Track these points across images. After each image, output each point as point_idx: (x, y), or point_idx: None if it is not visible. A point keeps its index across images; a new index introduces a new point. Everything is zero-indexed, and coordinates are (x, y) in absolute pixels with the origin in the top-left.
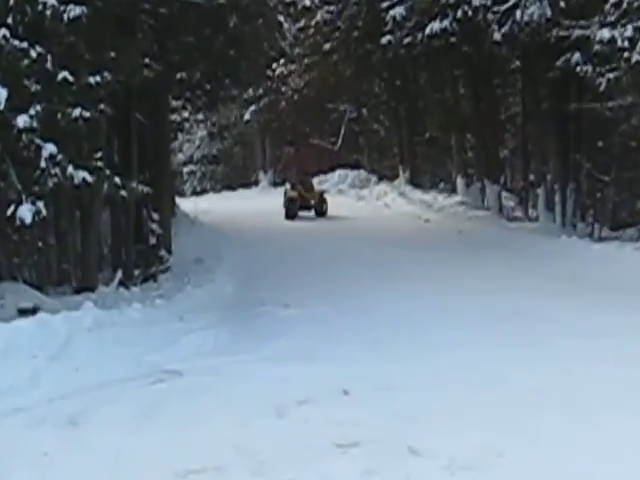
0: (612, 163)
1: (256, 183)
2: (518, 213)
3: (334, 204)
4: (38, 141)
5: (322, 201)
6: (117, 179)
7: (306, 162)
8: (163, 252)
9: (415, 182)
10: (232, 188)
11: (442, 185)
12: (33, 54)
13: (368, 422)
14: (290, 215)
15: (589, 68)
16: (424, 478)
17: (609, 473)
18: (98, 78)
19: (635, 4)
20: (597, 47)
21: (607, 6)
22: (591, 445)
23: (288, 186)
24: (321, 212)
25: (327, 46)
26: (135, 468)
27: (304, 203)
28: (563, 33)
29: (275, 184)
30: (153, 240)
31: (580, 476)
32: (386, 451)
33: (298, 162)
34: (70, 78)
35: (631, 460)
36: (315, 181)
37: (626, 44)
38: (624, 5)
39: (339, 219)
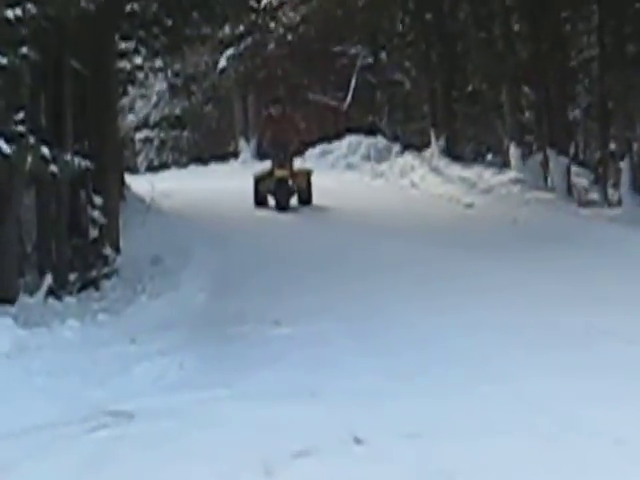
0: None
1: (235, 155)
2: (594, 195)
3: (342, 183)
4: None
5: (309, 185)
6: (45, 150)
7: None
8: (108, 249)
9: (453, 153)
10: (203, 162)
11: (490, 157)
12: None
13: None
14: (282, 203)
15: None
16: None
17: None
18: (18, 11)
19: None
20: None
21: None
22: None
23: (269, 165)
24: (307, 200)
25: None
26: None
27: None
28: None
29: (261, 156)
30: (94, 233)
31: None
32: None
33: (277, 129)
34: None
35: None
36: (317, 151)
37: None
38: None
39: (348, 204)
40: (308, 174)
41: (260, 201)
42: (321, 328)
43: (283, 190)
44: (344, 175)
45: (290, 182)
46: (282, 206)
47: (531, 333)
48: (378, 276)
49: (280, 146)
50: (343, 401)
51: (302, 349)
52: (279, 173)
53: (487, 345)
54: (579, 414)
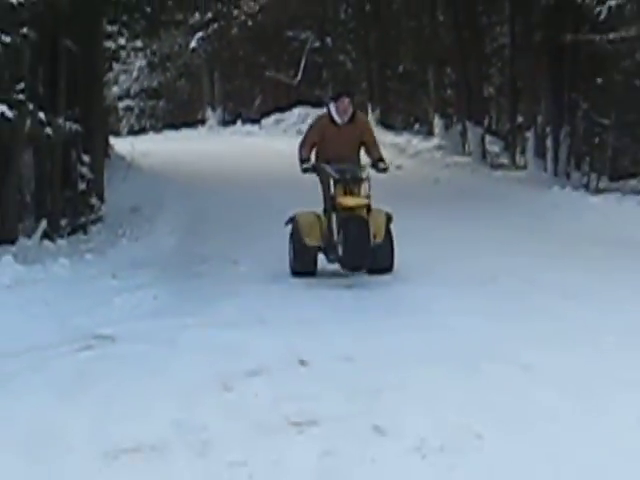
0: (612, 104)
1: (203, 122)
2: (504, 160)
3: (293, 146)
4: None
5: (389, 238)
6: (42, 115)
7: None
8: (94, 200)
9: (386, 123)
10: (175, 127)
11: (417, 127)
12: None
13: (328, 397)
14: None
15: None
16: (391, 461)
17: (609, 463)
18: None
19: None
20: None
21: None
22: (589, 429)
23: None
24: (385, 264)
25: None
26: (58, 448)
27: None
28: None
29: (225, 123)
30: (83, 186)
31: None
32: (348, 430)
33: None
34: None
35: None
36: (271, 120)
37: None
38: None
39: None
40: (388, 219)
41: (304, 265)
42: (271, 267)
43: (356, 229)
44: (295, 140)
45: (367, 219)
46: (354, 263)
47: (453, 278)
48: None
49: (345, 165)
50: (291, 329)
51: (257, 284)
52: (349, 201)
53: (417, 286)
54: (493, 349)
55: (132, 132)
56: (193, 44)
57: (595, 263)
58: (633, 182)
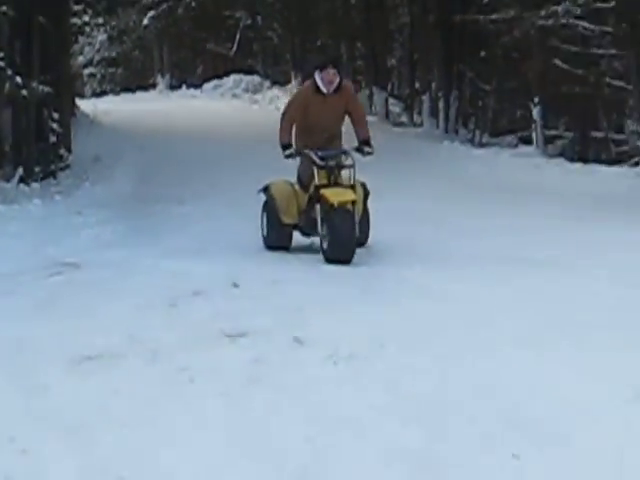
0: (494, 73)
1: (154, 86)
2: (404, 119)
3: (230, 107)
4: None
5: (366, 214)
6: (19, 79)
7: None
8: (63, 151)
9: None
10: (131, 90)
11: None
12: None
13: (256, 314)
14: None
15: None
16: (308, 367)
17: (489, 367)
18: None
19: None
20: None
21: None
22: (471, 340)
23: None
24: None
25: None
26: (31, 355)
27: None
28: None
29: (172, 87)
30: (54, 139)
31: (460, 368)
32: (273, 341)
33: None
34: None
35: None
36: (211, 85)
37: None
38: None
39: (234, 121)
40: (366, 194)
41: (279, 241)
42: (213, 206)
43: (343, 225)
44: (231, 102)
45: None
46: (339, 257)
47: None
48: (255, 170)
49: (329, 150)
50: (226, 258)
51: (199, 222)
52: (338, 196)
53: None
54: (386, 272)
55: (95, 94)
56: (145, 21)
57: (476, 205)
58: (509, 138)
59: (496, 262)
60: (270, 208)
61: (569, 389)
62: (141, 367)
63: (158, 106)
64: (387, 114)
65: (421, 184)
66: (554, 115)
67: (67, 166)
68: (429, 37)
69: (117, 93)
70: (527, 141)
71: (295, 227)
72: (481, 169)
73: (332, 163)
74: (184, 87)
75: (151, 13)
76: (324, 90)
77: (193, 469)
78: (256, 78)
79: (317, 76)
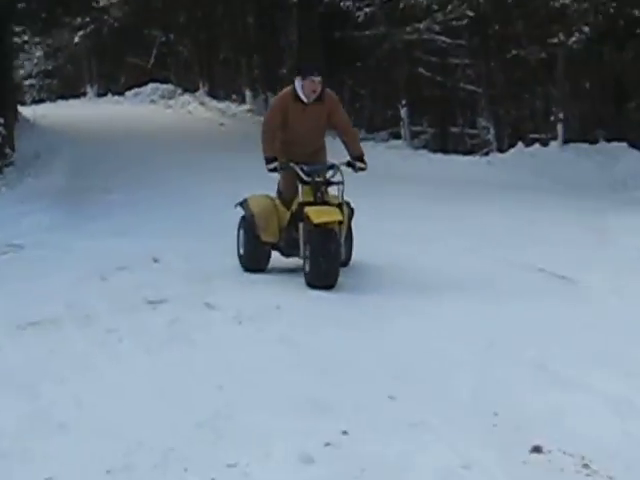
0: (368, 80)
1: (84, 94)
2: None
3: (148, 111)
4: None
5: (350, 233)
6: None
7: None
8: (7, 149)
9: (213, 94)
10: (65, 98)
11: (234, 96)
12: None
13: (174, 284)
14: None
15: (350, 3)
16: (218, 326)
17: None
18: None
19: None
20: None
21: None
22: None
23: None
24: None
25: None
26: None
27: None
28: None
29: (100, 95)
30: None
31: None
32: (188, 306)
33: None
34: None
35: None
36: (132, 93)
37: None
38: None
39: (152, 123)
40: (351, 213)
41: (256, 263)
42: (137, 193)
43: (327, 249)
44: (149, 107)
45: (338, 234)
46: (321, 283)
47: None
48: (173, 165)
49: (314, 161)
50: (148, 237)
51: (124, 207)
52: (323, 215)
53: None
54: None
55: (34, 102)
56: (76, 39)
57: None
58: (382, 133)
59: (376, 235)
60: (248, 225)
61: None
62: (77, 330)
63: (88, 111)
64: None
65: None
66: (418, 114)
67: (11, 163)
68: (314, 51)
69: (53, 100)
70: (397, 136)
71: (274, 246)
72: None
73: (319, 179)
74: (109, 95)
75: (81, 32)
76: (304, 99)
77: (124, 413)
78: (170, 86)
79: (297, 83)
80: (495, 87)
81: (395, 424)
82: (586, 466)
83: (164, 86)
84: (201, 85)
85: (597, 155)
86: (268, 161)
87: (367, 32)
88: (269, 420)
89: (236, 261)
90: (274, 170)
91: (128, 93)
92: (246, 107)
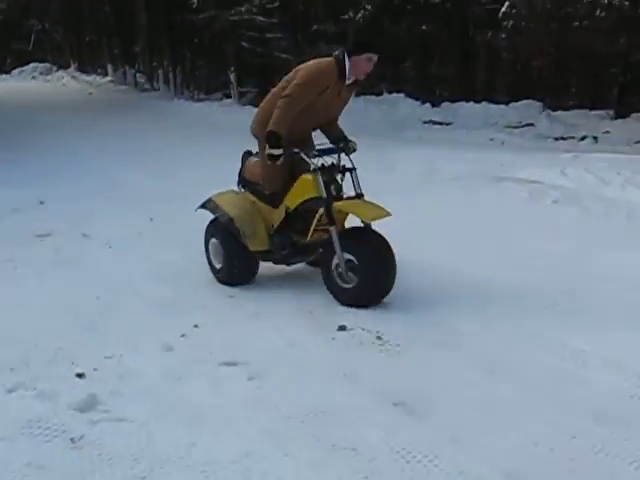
0: (204, 54)
1: None
2: (147, 86)
3: (30, 85)
4: None
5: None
6: None
7: None
8: None
9: (82, 69)
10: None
11: (99, 70)
12: None
13: (57, 220)
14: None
15: None
16: (92, 250)
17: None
18: None
19: None
20: None
21: None
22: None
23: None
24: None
25: None
26: None
27: None
28: None
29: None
30: None
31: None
32: (69, 237)
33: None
34: None
35: None
36: (17, 71)
37: None
38: None
39: (34, 94)
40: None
41: (242, 275)
42: (24, 151)
43: (390, 256)
44: (31, 82)
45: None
46: (377, 295)
47: (121, 152)
48: (51, 124)
49: (303, 147)
50: (34, 186)
51: (18, 161)
52: (370, 211)
53: (96, 156)
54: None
55: None
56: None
57: (181, 137)
58: (217, 94)
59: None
60: (227, 232)
61: None
62: None
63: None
64: (136, 84)
65: (162, 127)
66: (245, 78)
67: None
68: (160, 31)
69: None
70: (228, 96)
71: (264, 256)
72: (199, 116)
73: (332, 164)
74: None
75: None
76: (348, 79)
77: (22, 323)
78: (47, 65)
79: (347, 60)
80: (303, 55)
81: (235, 317)
82: (379, 338)
83: (42, 65)
84: (72, 63)
85: (381, 104)
86: (276, 143)
87: (200, 16)
88: (136, 320)
89: (112, 203)
90: (277, 158)
91: (14, 72)
92: (109, 79)
